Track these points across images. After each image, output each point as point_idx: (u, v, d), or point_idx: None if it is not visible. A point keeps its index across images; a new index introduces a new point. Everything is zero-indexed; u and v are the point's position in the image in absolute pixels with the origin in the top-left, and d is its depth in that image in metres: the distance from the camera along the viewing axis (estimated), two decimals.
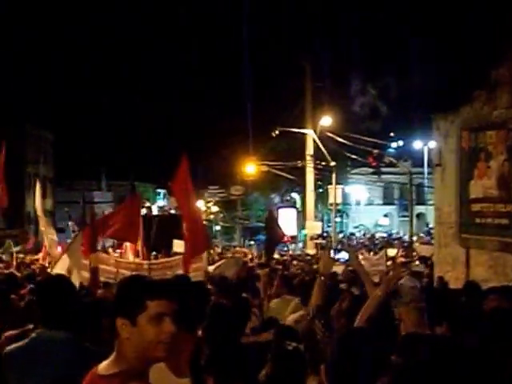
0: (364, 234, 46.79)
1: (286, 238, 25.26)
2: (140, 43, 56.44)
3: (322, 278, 4.35)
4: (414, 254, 18.58)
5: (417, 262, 15.96)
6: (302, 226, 32.41)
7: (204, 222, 9.51)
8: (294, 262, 16.91)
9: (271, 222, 16.19)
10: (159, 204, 57.03)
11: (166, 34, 55.95)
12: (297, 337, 4.29)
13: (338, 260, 4.15)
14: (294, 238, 31.36)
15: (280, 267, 14.15)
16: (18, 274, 11.30)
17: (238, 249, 27.91)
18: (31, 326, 3.77)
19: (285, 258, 19.54)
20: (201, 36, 55.39)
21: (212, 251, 22.85)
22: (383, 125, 46.94)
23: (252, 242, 41.47)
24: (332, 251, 4.77)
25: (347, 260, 4.49)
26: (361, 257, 15.02)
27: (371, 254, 18.12)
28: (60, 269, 8.86)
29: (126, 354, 2.23)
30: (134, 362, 2.24)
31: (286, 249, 29.47)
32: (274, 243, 16.04)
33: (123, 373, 2.20)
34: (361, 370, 2.00)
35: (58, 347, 3.07)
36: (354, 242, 38.39)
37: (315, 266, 14.66)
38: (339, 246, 25.16)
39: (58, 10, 47.78)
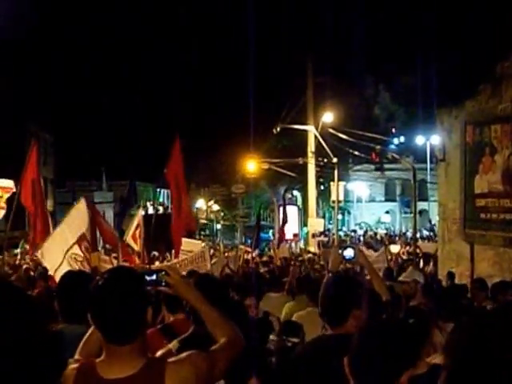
0: (366, 231, 46.65)
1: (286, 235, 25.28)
2: (140, 43, 56.27)
3: (330, 275, 4.29)
4: (418, 250, 18.45)
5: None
6: (303, 223, 32.34)
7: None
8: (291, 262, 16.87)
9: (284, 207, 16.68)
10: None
11: (166, 33, 55.71)
12: (300, 332, 4.23)
13: (344, 258, 4.09)
14: (296, 236, 31.28)
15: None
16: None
17: (242, 247, 27.75)
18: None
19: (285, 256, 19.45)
20: (201, 36, 55.20)
21: (215, 250, 22.80)
22: (385, 120, 46.92)
23: None
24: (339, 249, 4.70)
25: (353, 257, 4.43)
26: None
27: (371, 251, 17.98)
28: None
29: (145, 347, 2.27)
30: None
31: (287, 246, 29.34)
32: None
33: (145, 370, 2.20)
34: (386, 363, 1.97)
35: (79, 342, 3.02)
36: (357, 240, 38.24)
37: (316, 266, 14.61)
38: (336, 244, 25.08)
39: (58, 10, 47.70)
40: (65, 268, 6.94)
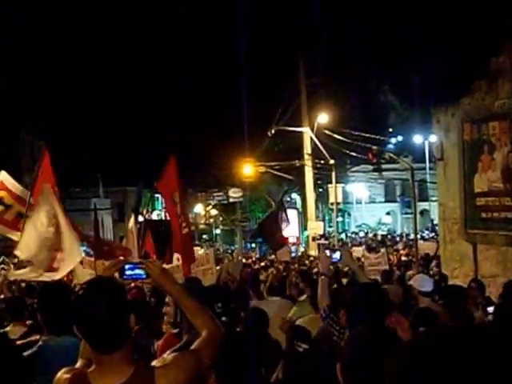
0: (366, 233, 46.51)
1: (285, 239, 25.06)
2: (140, 43, 56.12)
3: (323, 277, 4.26)
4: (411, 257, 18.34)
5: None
6: (303, 226, 32.19)
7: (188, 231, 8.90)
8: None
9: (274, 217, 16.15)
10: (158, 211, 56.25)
11: (166, 33, 55.59)
12: (308, 337, 4.12)
13: (332, 259, 4.15)
14: (297, 240, 31.16)
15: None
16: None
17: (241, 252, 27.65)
18: (37, 337, 3.78)
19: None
20: (201, 36, 54.99)
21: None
22: (382, 120, 46.86)
23: (253, 245, 41.21)
24: (328, 251, 4.63)
25: (339, 259, 4.57)
26: (359, 255, 14.72)
27: (373, 253, 17.84)
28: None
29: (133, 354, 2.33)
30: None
31: (288, 250, 29.17)
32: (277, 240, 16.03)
33: (135, 377, 2.22)
34: (376, 369, 1.90)
35: (66, 352, 3.06)
36: (358, 242, 38.14)
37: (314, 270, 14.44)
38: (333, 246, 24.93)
39: (58, 10, 47.59)
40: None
